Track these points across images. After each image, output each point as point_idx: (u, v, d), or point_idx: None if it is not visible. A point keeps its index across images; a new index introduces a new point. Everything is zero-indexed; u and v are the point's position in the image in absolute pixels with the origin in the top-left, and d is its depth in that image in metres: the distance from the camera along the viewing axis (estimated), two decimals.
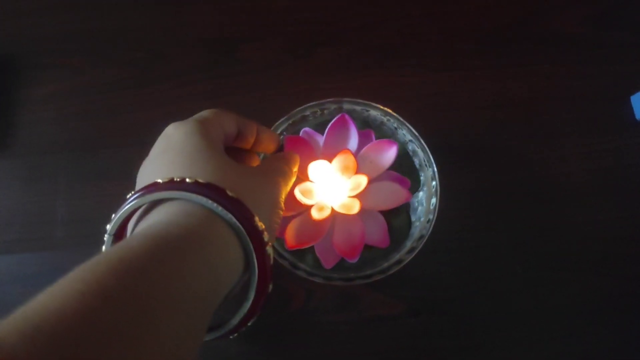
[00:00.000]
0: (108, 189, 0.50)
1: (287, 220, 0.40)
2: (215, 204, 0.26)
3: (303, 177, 0.40)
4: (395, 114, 0.42)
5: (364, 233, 0.40)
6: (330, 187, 0.40)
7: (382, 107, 0.43)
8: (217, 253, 0.26)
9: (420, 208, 0.43)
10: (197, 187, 0.26)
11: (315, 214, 0.39)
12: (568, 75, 0.53)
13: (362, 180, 0.39)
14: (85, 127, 0.52)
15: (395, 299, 0.47)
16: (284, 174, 0.34)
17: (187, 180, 0.27)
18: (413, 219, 0.42)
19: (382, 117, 0.43)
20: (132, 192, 0.28)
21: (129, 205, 0.27)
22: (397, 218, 0.43)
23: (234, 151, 0.36)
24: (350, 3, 0.56)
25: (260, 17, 0.56)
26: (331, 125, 0.40)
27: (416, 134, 0.42)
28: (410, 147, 0.43)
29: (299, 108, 0.43)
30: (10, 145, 0.51)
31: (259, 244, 0.27)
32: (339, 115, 0.40)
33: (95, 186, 0.50)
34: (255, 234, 0.27)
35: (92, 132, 0.52)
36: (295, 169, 0.36)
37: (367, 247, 0.41)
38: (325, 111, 0.44)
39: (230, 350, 0.46)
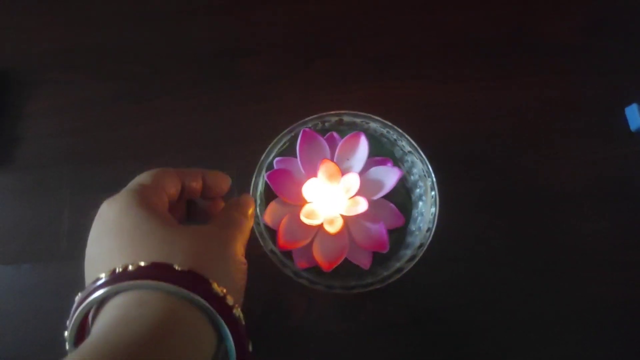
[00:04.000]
0: None
1: (309, 248, 0.41)
2: (165, 284, 0.24)
3: (301, 202, 0.41)
4: (394, 126, 0.43)
5: (380, 220, 0.41)
6: (327, 198, 0.41)
7: (381, 119, 0.44)
8: (180, 335, 0.24)
9: (419, 218, 0.43)
10: (141, 272, 0.24)
11: (330, 228, 0.40)
12: (563, 85, 0.54)
13: (352, 179, 0.40)
14: (86, 140, 0.53)
15: (396, 309, 0.48)
16: (238, 224, 0.31)
17: (130, 267, 0.24)
18: (413, 228, 0.43)
19: (382, 129, 0.44)
20: (79, 294, 0.26)
21: (76, 314, 0.25)
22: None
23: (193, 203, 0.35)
24: (346, 16, 0.57)
25: (258, 31, 0.57)
26: (299, 144, 0.41)
27: (415, 145, 0.43)
28: (409, 158, 0.44)
29: (301, 121, 0.44)
30: (13, 159, 0.52)
31: (224, 310, 0.25)
32: (301, 132, 0.42)
33: (97, 198, 0.50)
34: (217, 302, 0.25)
35: (93, 146, 0.53)
36: (251, 211, 0.34)
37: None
38: (327, 124, 0.44)
39: None
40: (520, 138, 0.53)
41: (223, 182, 0.35)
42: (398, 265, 0.41)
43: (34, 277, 0.48)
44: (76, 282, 0.47)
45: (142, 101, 0.54)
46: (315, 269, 0.41)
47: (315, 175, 0.41)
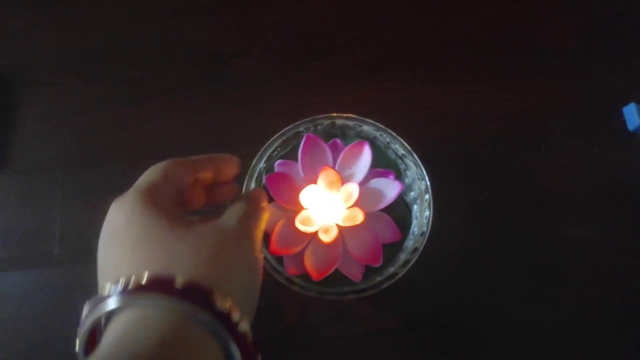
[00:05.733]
0: (103, 205, 0.50)
1: (300, 255, 0.40)
2: (166, 301, 0.23)
3: (298, 207, 0.40)
4: (387, 129, 0.43)
5: (376, 234, 0.40)
6: (325, 206, 0.40)
7: (374, 122, 0.43)
8: (184, 353, 0.23)
9: (414, 221, 0.43)
10: (143, 287, 0.24)
11: (325, 237, 0.39)
12: (560, 87, 0.54)
13: (352, 188, 0.39)
14: (80, 144, 0.53)
15: (390, 314, 0.47)
16: (252, 216, 0.31)
17: (132, 279, 0.24)
18: (409, 246, 0.42)
19: (375, 132, 0.44)
20: (87, 303, 0.25)
21: (86, 325, 0.25)
22: None
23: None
24: (341, 17, 0.57)
25: (251, 33, 0.56)
26: (302, 149, 0.41)
27: (408, 148, 0.42)
28: (403, 161, 0.44)
29: (293, 125, 0.43)
30: (5, 163, 0.52)
31: (229, 326, 0.24)
32: (305, 137, 0.41)
33: (91, 202, 0.50)
34: (221, 317, 0.24)
35: (86, 149, 0.52)
36: (265, 203, 0.33)
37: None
38: (319, 127, 0.44)
39: None
40: (517, 141, 0.52)
41: (232, 164, 0.35)
42: (392, 270, 0.40)
43: (26, 284, 0.48)
44: (69, 286, 0.48)
45: (135, 103, 0.54)
46: (306, 276, 0.40)
47: (315, 181, 0.40)
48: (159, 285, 0.24)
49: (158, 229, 0.26)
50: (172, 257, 0.25)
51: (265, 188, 0.41)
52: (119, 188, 0.50)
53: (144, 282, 0.24)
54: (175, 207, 0.29)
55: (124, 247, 0.26)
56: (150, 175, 0.30)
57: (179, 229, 0.27)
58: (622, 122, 0.52)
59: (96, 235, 0.49)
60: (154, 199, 0.28)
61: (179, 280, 0.24)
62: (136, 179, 0.50)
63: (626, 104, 0.51)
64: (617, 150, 0.51)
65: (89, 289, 0.48)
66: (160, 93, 0.54)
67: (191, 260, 0.25)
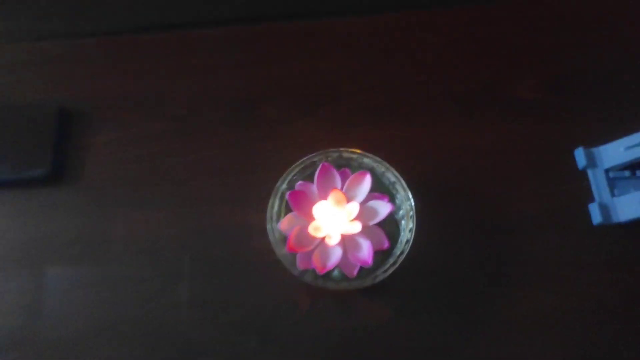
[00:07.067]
0: (152, 216, 0.61)
1: (310, 254, 0.50)
2: None
3: (311, 218, 0.50)
4: (383, 161, 0.54)
5: (370, 242, 0.50)
6: (332, 219, 0.51)
7: (372, 156, 0.55)
8: None
9: (402, 233, 0.54)
10: None
11: (330, 242, 0.50)
12: (524, 132, 0.65)
13: (354, 206, 0.50)
14: (136, 167, 0.64)
15: (385, 308, 0.58)
16: None
17: None
18: (397, 252, 0.53)
19: (373, 164, 0.55)
20: None
21: None
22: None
23: None
24: (348, 73, 0.70)
25: (275, 81, 0.69)
26: (318, 174, 0.51)
27: (398, 176, 0.54)
28: (394, 186, 0.56)
29: (309, 156, 0.54)
30: (78, 180, 0.64)
31: None
32: (321, 165, 0.51)
33: (143, 213, 0.61)
34: None
35: (140, 172, 0.64)
36: None
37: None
38: (329, 158, 0.55)
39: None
40: (486, 173, 0.63)
41: None
42: (383, 269, 0.52)
43: (92, 276, 0.59)
44: (128, 279, 0.59)
45: (182, 137, 0.66)
46: (313, 270, 0.50)
47: (325, 199, 0.50)
48: None
49: None
50: None
51: (286, 203, 0.53)
52: (164, 203, 0.64)
53: None
54: None
55: None
56: None
57: None
58: (574, 161, 0.63)
59: (145, 237, 0.61)
60: None
61: None
62: (182, 196, 0.63)
63: (576, 146, 0.63)
64: (570, 183, 0.62)
65: (143, 279, 0.59)
66: (201, 129, 0.66)
67: None
